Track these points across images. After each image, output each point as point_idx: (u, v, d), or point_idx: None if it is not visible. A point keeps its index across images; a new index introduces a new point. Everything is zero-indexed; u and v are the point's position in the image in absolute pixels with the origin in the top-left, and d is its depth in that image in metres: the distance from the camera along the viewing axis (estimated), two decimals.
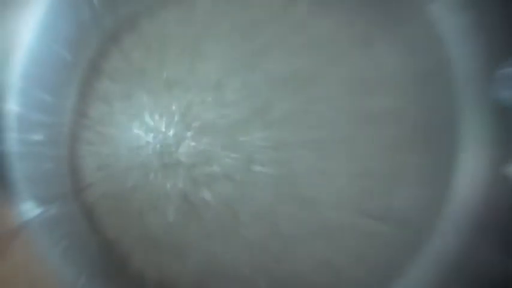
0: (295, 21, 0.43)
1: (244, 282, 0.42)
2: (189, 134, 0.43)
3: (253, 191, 0.42)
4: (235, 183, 0.42)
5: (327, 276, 0.42)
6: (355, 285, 0.42)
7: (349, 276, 0.42)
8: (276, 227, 0.42)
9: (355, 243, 0.42)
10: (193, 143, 0.43)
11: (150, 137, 0.43)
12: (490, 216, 0.43)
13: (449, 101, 0.39)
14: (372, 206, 0.43)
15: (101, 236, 0.42)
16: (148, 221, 0.42)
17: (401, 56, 0.43)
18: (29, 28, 0.35)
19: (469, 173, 0.36)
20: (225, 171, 0.42)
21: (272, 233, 0.42)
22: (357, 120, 0.43)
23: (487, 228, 0.46)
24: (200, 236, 0.42)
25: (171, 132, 0.43)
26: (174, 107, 0.43)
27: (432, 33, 0.38)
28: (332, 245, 0.42)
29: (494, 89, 0.41)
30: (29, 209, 0.34)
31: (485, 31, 0.44)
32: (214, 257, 0.42)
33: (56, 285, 0.36)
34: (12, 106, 0.34)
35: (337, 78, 0.43)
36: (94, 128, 0.43)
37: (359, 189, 0.43)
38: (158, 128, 0.43)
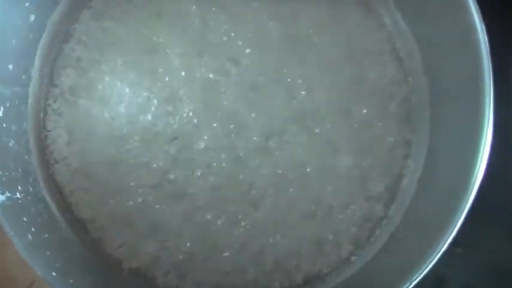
0: None
1: (229, 264, 0.40)
2: (166, 104, 0.40)
3: (238, 167, 0.40)
4: (214, 159, 0.40)
5: (315, 255, 0.41)
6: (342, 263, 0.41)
7: (336, 255, 0.41)
8: (262, 208, 0.40)
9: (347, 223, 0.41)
10: (170, 115, 0.40)
11: (124, 107, 0.40)
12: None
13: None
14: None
15: (72, 217, 0.39)
16: (122, 200, 0.40)
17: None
18: None
19: None
20: (204, 144, 0.40)
21: (255, 213, 0.40)
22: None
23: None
24: (177, 216, 0.40)
25: (147, 102, 0.40)
26: (149, 74, 0.40)
27: None
28: (323, 225, 0.41)
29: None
30: None
31: None
32: (193, 239, 0.40)
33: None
34: None
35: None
36: (63, 98, 0.40)
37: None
38: (133, 97, 0.40)
